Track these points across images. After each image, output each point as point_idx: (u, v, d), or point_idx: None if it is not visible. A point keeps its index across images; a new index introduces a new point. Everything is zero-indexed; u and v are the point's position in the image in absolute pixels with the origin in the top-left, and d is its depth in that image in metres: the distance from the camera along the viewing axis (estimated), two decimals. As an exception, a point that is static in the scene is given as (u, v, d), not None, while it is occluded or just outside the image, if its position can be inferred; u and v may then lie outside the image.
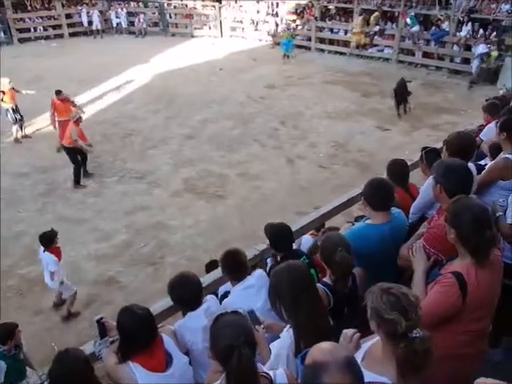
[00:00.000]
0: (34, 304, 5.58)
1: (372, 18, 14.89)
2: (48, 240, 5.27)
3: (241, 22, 19.20)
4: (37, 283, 5.86)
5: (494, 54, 12.44)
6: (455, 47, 13.75)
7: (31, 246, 6.59)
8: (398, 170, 3.46)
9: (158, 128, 10.54)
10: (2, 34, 18.31)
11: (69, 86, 12.53)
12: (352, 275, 2.54)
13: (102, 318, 2.40)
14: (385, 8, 15.34)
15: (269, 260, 3.41)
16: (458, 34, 13.64)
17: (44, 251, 5.29)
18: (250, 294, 2.85)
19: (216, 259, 4.00)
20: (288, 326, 2.16)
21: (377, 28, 14.95)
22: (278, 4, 18.55)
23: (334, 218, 4.19)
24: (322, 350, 1.39)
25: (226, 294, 3.14)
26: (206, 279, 3.16)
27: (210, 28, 19.63)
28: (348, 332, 1.84)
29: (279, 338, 2.21)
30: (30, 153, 9.50)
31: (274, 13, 18.21)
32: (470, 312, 2.06)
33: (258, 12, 18.72)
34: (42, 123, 10.76)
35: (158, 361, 2.28)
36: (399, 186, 3.31)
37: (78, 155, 8.25)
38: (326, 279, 2.52)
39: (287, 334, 2.12)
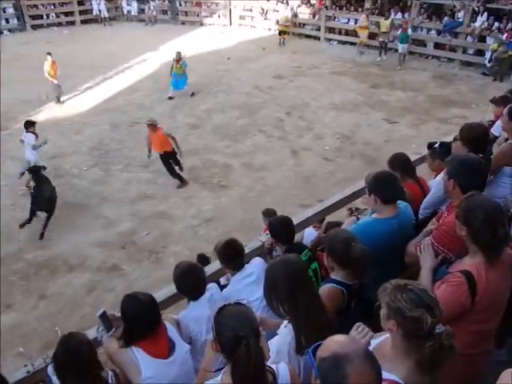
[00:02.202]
0: (40, 288, 5.70)
1: (385, 25, 14.06)
2: (29, 124, 7.66)
3: (250, 10, 19.03)
4: (43, 268, 6.01)
5: (494, 46, 12.21)
6: (469, 38, 13.43)
7: (37, 231, 6.74)
8: (407, 162, 3.39)
9: (164, 117, 10.56)
10: (16, 21, 18.42)
11: (79, 73, 12.70)
12: None
13: (104, 312, 2.40)
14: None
15: (275, 251, 3.37)
16: (472, 24, 13.35)
17: (26, 133, 7.59)
18: (249, 283, 2.88)
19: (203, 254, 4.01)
20: (286, 321, 2.13)
21: (391, 37, 14.30)
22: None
23: (338, 210, 4.19)
24: (339, 342, 1.37)
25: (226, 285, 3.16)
26: (208, 269, 3.18)
27: (219, 16, 19.51)
28: (362, 326, 1.80)
29: (276, 334, 2.18)
30: (38, 139, 9.56)
31: (285, 1, 18.02)
32: (478, 312, 2.01)
33: (268, 0, 18.54)
34: (52, 110, 10.88)
35: (161, 347, 2.32)
36: (410, 179, 3.28)
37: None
38: (338, 276, 2.41)
39: (287, 330, 2.09)
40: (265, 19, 18.33)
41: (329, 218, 4.28)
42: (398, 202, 2.74)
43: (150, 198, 7.55)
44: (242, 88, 12.23)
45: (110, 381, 2.18)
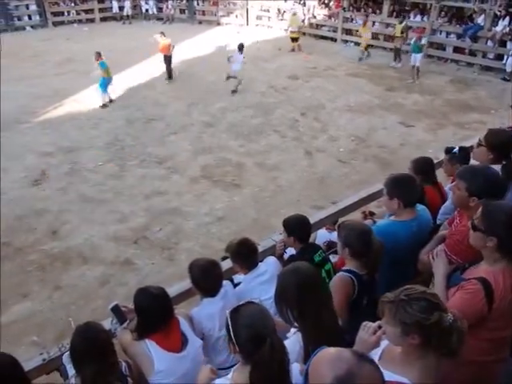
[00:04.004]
0: (55, 279, 5.78)
1: (401, 27, 13.84)
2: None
3: (267, 10, 19.08)
4: (58, 259, 6.11)
5: None
6: (489, 42, 13.26)
7: (53, 223, 6.86)
8: (428, 166, 3.38)
9: (179, 114, 10.67)
10: (38, 17, 18.76)
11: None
12: None
13: (117, 305, 2.44)
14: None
15: (288, 250, 3.36)
16: (493, 28, 13.17)
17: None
18: (262, 282, 2.89)
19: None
20: (295, 329, 2.12)
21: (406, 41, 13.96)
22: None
23: (351, 213, 4.16)
24: (332, 362, 1.27)
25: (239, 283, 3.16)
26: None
27: (236, 16, 19.59)
28: (371, 325, 1.78)
29: (285, 337, 2.16)
30: (56, 133, 9.74)
31: (302, 2, 18.02)
32: (494, 319, 1.99)
33: (285, 1, 18.56)
34: (70, 105, 11.02)
35: (173, 341, 2.35)
36: (429, 184, 3.27)
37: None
38: (351, 267, 2.46)
39: (295, 339, 2.07)
40: (281, 20, 18.35)
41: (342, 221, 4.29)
42: (417, 205, 2.75)
43: (164, 194, 7.61)
44: (257, 87, 12.27)
45: (124, 371, 2.23)
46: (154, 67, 13.66)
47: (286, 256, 3.32)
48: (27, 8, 18.70)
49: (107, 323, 2.54)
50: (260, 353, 1.65)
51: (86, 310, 5.26)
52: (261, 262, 3.09)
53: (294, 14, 15.83)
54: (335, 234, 4.45)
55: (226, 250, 3.13)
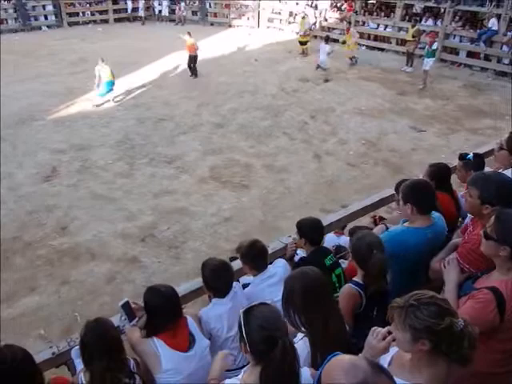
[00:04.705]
0: (63, 274, 5.84)
1: (413, 31, 13.67)
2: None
3: (279, 13, 19.13)
4: (67, 255, 6.17)
5: None
6: (504, 47, 13.12)
7: (63, 219, 6.95)
8: (444, 173, 3.33)
9: (189, 114, 10.73)
10: (54, 18, 19.03)
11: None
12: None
13: (127, 302, 2.45)
14: (429, 4, 14.93)
15: (299, 252, 3.38)
16: (508, 33, 13.04)
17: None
18: (271, 284, 2.90)
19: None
20: (303, 335, 2.11)
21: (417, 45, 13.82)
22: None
23: (360, 218, 4.14)
24: (347, 371, 1.26)
25: (247, 285, 3.16)
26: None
27: (247, 19, 19.67)
28: (380, 330, 1.76)
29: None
30: (68, 131, 9.84)
31: (314, 5, 18.04)
32: (506, 330, 1.96)
33: (297, 4, 18.60)
34: (82, 103, 11.14)
35: (181, 340, 2.37)
36: (443, 191, 3.22)
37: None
38: (358, 278, 2.46)
39: (303, 344, 2.05)
40: (293, 22, 18.38)
41: (351, 225, 4.25)
42: (433, 212, 2.71)
43: (172, 193, 7.65)
44: (267, 89, 12.29)
45: (132, 369, 2.24)
46: (165, 68, 13.78)
47: (296, 258, 3.33)
48: (44, 8, 18.99)
49: (116, 320, 2.56)
50: (271, 354, 1.66)
51: (92, 306, 5.32)
52: (270, 264, 3.10)
53: (303, 18, 15.89)
54: (344, 238, 4.48)
55: (236, 251, 3.15)
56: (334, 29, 17.26)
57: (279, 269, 3.04)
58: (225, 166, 8.50)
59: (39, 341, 4.71)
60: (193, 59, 12.87)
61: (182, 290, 2.97)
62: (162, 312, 2.35)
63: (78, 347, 2.42)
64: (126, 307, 2.46)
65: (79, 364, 2.34)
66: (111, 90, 11.22)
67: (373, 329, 1.81)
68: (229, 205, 7.34)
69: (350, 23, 15.30)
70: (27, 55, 14.29)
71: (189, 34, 12.83)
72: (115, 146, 9.15)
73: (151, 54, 14.57)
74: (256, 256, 2.96)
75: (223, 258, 3.04)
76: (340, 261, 3.52)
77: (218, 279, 2.69)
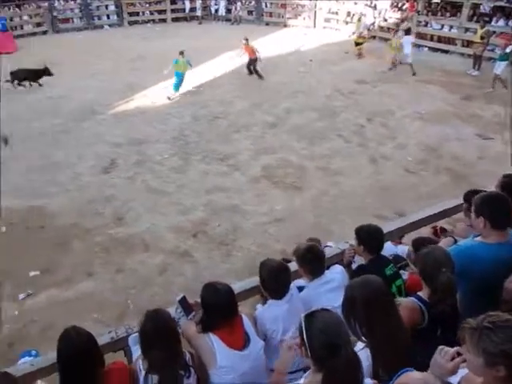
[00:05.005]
0: (118, 262, 6.04)
1: (481, 33, 12.98)
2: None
3: (336, 13, 18.86)
4: (122, 244, 6.38)
5: None
6: None
7: (119, 210, 7.17)
8: None
9: (243, 113, 10.78)
10: (115, 17, 19.86)
11: (164, 65, 13.24)
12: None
13: (184, 297, 2.51)
14: (501, 3, 14.14)
15: (354, 262, 3.32)
16: None
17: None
18: (328, 289, 2.85)
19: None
20: (364, 344, 2.07)
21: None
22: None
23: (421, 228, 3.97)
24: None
25: (301, 288, 3.12)
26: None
27: (304, 18, 19.55)
28: (449, 350, 1.68)
29: None
30: (127, 125, 10.17)
31: (373, 5, 17.63)
32: None
33: (355, 4, 18.26)
34: (140, 99, 11.48)
35: (236, 338, 2.37)
36: None
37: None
38: (423, 295, 2.35)
39: (364, 355, 2.00)
40: (350, 22, 18.05)
41: (410, 235, 4.03)
42: (508, 228, 2.52)
43: (224, 190, 7.70)
44: (322, 90, 12.12)
45: (187, 361, 2.26)
46: (220, 66, 13.93)
47: (354, 266, 3.24)
48: (106, 8, 19.91)
49: (171, 312, 2.59)
50: (333, 361, 1.63)
51: (144, 295, 5.45)
52: (327, 269, 3.04)
53: (359, 20, 15.52)
54: (401, 247, 4.30)
55: (292, 254, 3.13)
56: (392, 29, 16.74)
57: (337, 275, 2.99)
58: (277, 166, 8.45)
59: (95, 324, 4.86)
60: (253, 62, 12.94)
61: (236, 287, 2.98)
62: (219, 309, 2.36)
63: (135, 335, 2.51)
64: (183, 302, 2.51)
65: (136, 351, 2.40)
66: (180, 82, 11.55)
67: (440, 347, 1.71)
68: (280, 205, 7.29)
69: (397, 25, 14.75)
70: (90, 52, 14.94)
71: (246, 39, 12.87)
72: (171, 142, 9.35)
73: (207, 53, 14.77)
74: (313, 260, 2.92)
75: (280, 260, 3.01)
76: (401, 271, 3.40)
77: (275, 280, 2.68)
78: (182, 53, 11.60)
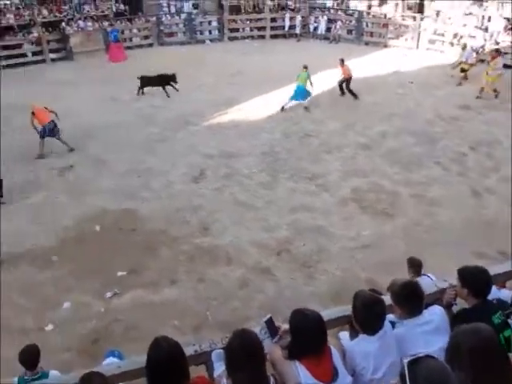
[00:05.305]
0: (201, 272, 6.14)
1: None
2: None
3: (442, 35, 17.97)
4: (206, 254, 6.49)
5: None
6: None
7: (206, 220, 7.32)
8: None
9: (335, 133, 10.57)
10: (217, 32, 20.83)
11: (263, 81, 13.64)
12: None
13: (270, 318, 2.43)
14: None
15: (456, 305, 3.03)
16: None
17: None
18: (426, 331, 2.60)
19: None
20: None
21: None
22: (489, 18, 16.79)
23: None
24: None
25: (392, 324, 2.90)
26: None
27: (406, 39, 18.89)
28: None
29: None
30: (219, 137, 10.45)
31: (484, 27, 16.51)
32: None
33: (464, 25, 17.24)
34: (235, 113, 11.79)
35: (324, 370, 2.25)
36: None
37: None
38: None
39: None
40: (457, 45, 17.04)
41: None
42: None
43: (311, 210, 7.55)
44: (421, 114, 11.52)
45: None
46: (315, 84, 13.81)
47: (454, 308, 2.95)
48: (209, 24, 20.94)
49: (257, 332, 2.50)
50: None
51: (224, 308, 5.46)
52: (425, 309, 2.78)
53: (463, 48, 14.55)
54: (505, 292, 3.82)
55: (387, 289, 2.92)
56: (505, 53, 15.50)
57: (436, 317, 2.72)
58: (368, 189, 8.12)
59: (174, 331, 4.93)
60: (346, 81, 12.81)
61: (325, 315, 2.82)
62: (307, 336, 2.26)
63: (219, 351, 2.48)
64: (270, 323, 2.43)
65: (219, 367, 2.39)
66: (299, 95, 11.77)
67: None
68: (369, 231, 6.97)
69: (498, 51, 13.47)
70: (191, 66, 15.68)
71: (342, 60, 12.73)
72: (260, 157, 9.43)
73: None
74: (411, 298, 2.69)
75: (374, 293, 2.79)
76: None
77: (369, 314, 2.51)
78: (305, 67, 11.89)
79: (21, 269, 6.28)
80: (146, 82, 13.14)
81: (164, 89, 13.19)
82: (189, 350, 2.68)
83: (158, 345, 2.12)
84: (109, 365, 3.04)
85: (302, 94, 11.84)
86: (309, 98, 11.90)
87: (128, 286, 5.92)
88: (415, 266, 4.79)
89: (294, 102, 11.88)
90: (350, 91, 12.75)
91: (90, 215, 7.47)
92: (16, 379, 3.52)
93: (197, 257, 6.44)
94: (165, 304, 5.58)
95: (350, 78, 12.63)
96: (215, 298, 5.62)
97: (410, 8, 19.61)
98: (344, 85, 12.83)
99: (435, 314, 2.74)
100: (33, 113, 9.36)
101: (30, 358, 3.54)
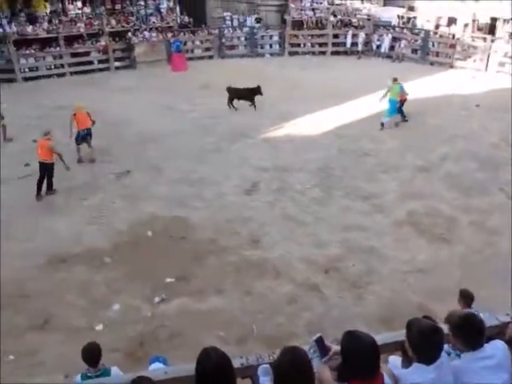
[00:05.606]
0: (248, 284, 6.15)
1: None
2: None
3: (514, 57, 17.09)
4: (254, 267, 6.50)
5: None
6: None
7: (256, 232, 7.34)
8: None
9: (393, 153, 10.30)
10: (277, 47, 21.09)
11: (321, 97, 13.58)
12: None
13: (321, 337, 2.38)
14: None
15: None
16: None
17: None
18: (487, 366, 2.46)
19: None
20: None
21: None
22: None
23: None
24: None
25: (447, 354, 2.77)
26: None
27: (474, 61, 18.12)
28: None
29: None
30: (273, 151, 10.48)
31: None
32: None
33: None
34: (290, 128, 11.80)
35: None
36: None
37: None
38: None
39: None
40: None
41: None
42: None
43: (364, 230, 7.37)
44: (486, 138, 10.97)
45: None
46: (374, 102, 13.60)
47: None
48: (270, 38, 21.23)
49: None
50: None
51: (270, 323, 5.42)
52: (486, 343, 2.62)
53: None
54: None
55: (445, 320, 2.79)
56: None
57: (498, 351, 2.56)
58: (425, 213, 7.83)
59: (218, 341, 4.95)
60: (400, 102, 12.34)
61: (379, 339, 2.71)
62: (360, 359, 2.18)
63: (266, 366, 2.45)
64: (320, 342, 2.38)
65: (264, 382, 2.36)
66: (394, 109, 11.70)
67: None
68: (424, 256, 6.71)
69: None
70: (251, 78, 15.74)
71: (395, 79, 12.22)
72: (314, 173, 9.35)
73: (362, 88, 14.57)
74: (471, 332, 2.55)
75: (433, 323, 2.67)
76: None
77: (426, 343, 2.38)
78: (395, 80, 11.76)
79: (76, 268, 6.56)
80: (234, 94, 13.10)
81: (252, 102, 13.06)
82: (235, 363, 2.67)
83: (208, 355, 2.11)
84: (155, 370, 3.08)
85: (394, 108, 11.69)
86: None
87: (175, 293, 6.03)
88: (466, 297, 4.55)
89: (390, 118, 11.71)
90: (401, 111, 12.39)
91: (142, 220, 7.71)
92: (79, 376, 3.62)
93: (244, 269, 6.45)
94: (210, 313, 5.62)
95: (405, 99, 12.28)
96: (261, 312, 5.59)
97: (480, 29, 18.87)
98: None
99: (497, 348, 2.59)
100: (74, 114, 9.68)
101: (92, 355, 3.64)
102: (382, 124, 11.63)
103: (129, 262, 6.66)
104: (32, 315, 5.66)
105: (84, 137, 9.77)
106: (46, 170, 8.44)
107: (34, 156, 8.60)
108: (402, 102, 12.19)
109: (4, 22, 16.50)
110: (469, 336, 2.55)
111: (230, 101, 13.13)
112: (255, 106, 13.06)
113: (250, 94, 13.05)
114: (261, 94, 13.00)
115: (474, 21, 18.91)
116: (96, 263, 6.65)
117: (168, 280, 6.29)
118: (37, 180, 8.46)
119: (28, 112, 11.80)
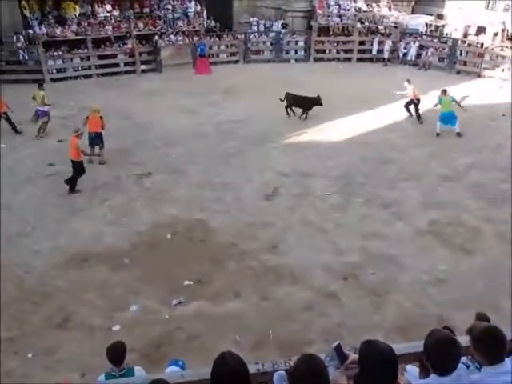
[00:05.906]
0: (265, 290, 6.15)
1: None
2: None
3: (543, 67, 16.67)
4: (271, 272, 6.49)
5: None
6: None
7: (275, 238, 7.35)
8: None
9: (416, 162, 10.16)
10: (303, 52, 21.09)
11: (345, 104, 13.49)
12: None
13: (339, 345, 2.37)
14: None
15: None
16: None
17: None
18: (506, 382, 2.41)
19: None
20: None
21: None
22: None
23: None
24: None
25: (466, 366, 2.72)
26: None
27: (503, 70, 17.75)
28: None
29: None
30: (295, 157, 10.45)
31: None
32: None
33: None
34: (313, 134, 11.77)
35: None
36: None
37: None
38: None
39: None
40: None
41: None
42: None
43: (383, 238, 7.30)
44: (512, 149, 10.72)
45: None
46: (398, 110, 13.46)
47: None
48: (296, 44, 21.24)
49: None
50: None
51: (285, 329, 5.41)
52: (507, 357, 2.56)
53: None
54: None
55: (467, 332, 2.74)
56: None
57: None
58: (447, 223, 7.70)
59: (233, 345, 4.97)
60: (413, 103, 12.56)
61: (397, 349, 2.70)
62: (378, 369, 2.17)
63: (282, 372, 2.44)
64: (339, 349, 2.38)
65: None
66: (452, 121, 11.49)
67: None
68: (445, 266, 6.60)
69: None
70: (275, 84, 15.77)
71: (408, 81, 12.43)
72: (335, 179, 9.31)
73: (385, 95, 14.43)
74: (492, 345, 2.49)
75: (450, 334, 2.64)
76: None
77: (443, 353, 2.35)
78: (444, 91, 11.63)
79: (97, 268, 6.68)
80: (291, 100, 12.68)
81: (306, 113, 12.71)
82: (251, 368, 2.68)
83: (224, 360, 2.13)
84: (172, 373, 3.11)
85: (450, 118, 11.44)
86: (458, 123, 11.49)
87: (193, 296, 6.07)
88: (483, 320, 4.44)
89: (446, 126, 11.56)
90: (418, 113, 12.39)
91: (162, 222, 7.80)
92: (103, 376, 3.67)
93: (262, 273, 6.47)
94: (227, 317, 5.64)
95: (418, 100, 12.26)
96: (278, 317, 5.59)
97: (510, 38, 18.49)
98: (412, 107, 12.54)
99: None
100: (87, 117, 9.88)
101: (117, 354, 3.69)
102: (458, 134, 11.44)
103: (148, 263, 6.75)
104: (52, 313, 5.80)
105: (93, 140, 9.86)
106: (73, 168, 8.65)
107: (58, 156, 8.83)
108: (414, 102, 12.20)
109: (34, 23, 16.97)
110: (490, 349, 2.50)
111: (289, 107, 12.75)
112: (307, 117, 12.77)
113: (307, 103, 12.67)
114: (321, 104, 12.50)
115: (503, 30, 18.55)
116: (116, 263, 6.75)
117: (186, 283, 6.34)
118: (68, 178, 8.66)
119: (54, 112, 12.09)
